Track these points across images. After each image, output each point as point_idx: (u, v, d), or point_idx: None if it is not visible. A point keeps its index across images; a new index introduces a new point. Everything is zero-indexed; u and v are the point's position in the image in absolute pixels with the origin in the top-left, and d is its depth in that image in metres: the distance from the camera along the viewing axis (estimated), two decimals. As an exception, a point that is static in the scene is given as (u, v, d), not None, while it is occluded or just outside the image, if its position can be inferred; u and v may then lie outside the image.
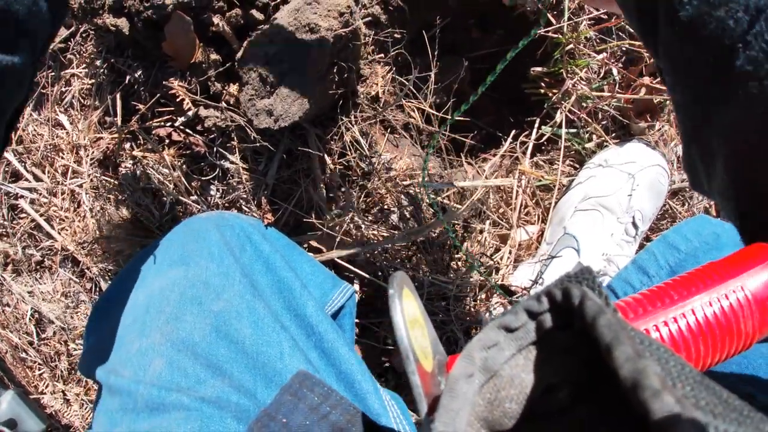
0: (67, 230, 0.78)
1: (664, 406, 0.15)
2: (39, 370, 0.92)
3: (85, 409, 0.92)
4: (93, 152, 0.77)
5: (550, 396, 0.21)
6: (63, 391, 0.92)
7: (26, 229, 0.85)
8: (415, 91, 0.70)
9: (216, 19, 0.67)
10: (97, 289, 0.85)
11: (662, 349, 0.19)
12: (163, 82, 0.69)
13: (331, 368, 0.45)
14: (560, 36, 0.84)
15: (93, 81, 0.78)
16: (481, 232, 0.72)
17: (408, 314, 0.21)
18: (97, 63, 0.77)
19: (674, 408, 0.15)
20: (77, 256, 0.80)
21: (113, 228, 0.75)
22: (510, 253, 0.72)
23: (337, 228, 0.69)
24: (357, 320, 0.75)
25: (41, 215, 0.83)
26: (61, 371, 0.91)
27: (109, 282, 0.81)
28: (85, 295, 0.87)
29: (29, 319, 0.89)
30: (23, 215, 0.86)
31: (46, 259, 0.87)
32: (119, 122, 0.73)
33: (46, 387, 0.92)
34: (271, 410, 0.38)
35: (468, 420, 0.19)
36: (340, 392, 0.41)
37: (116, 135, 0.74)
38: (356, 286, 0.75)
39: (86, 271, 0.80)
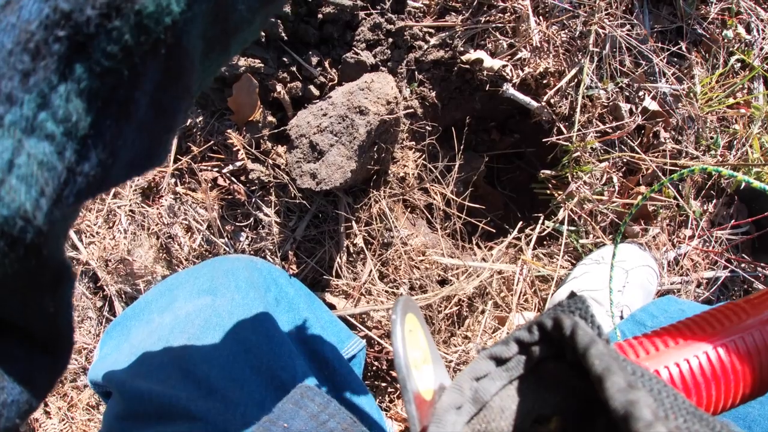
0: (96, 245, 0.82)
1: None
2: (27, 377, 0.92)
3: (64, 423, 0.91)
4: (138, 179, 0.83)
5: (539, 426, 0.21)
6: (45, 402, 0.92)
7: (53, 239, 0.89)
8: (440, 177, 0.79)
9: (279, 87, 0.77)
10: (108, 308, 0.88)
11: (654, 379, 0.20)
12: (225, 132, 0.77)
13: (342, 402, 0.48)
14: (569, 144, 0.95)
15: (151, 117, 0.86)
16: (483, 312, 0.78)
17: (409, 340, 0.21)
18: (159, 102, 0.85)
19: None
20: (98, 272, 0.83)
21: (142, 252, 0.79)
22: (508, 334, 0.78)
23: (353, 289, 0.74)
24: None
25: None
26: (50, 382, 0.91)
27: (124, 303, 0.84)
28: (93, 312, 0.89)
29: (32, 325, 0.90)
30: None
31: (64, 270, 0.90)
32: (171, 158, 0.80)
33: (30, 396, 0.92)
34: (273, 417, 0.39)
35: None
36: None
37: (164, 168, 0.81)
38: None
39: (104, 287, 0.83)
